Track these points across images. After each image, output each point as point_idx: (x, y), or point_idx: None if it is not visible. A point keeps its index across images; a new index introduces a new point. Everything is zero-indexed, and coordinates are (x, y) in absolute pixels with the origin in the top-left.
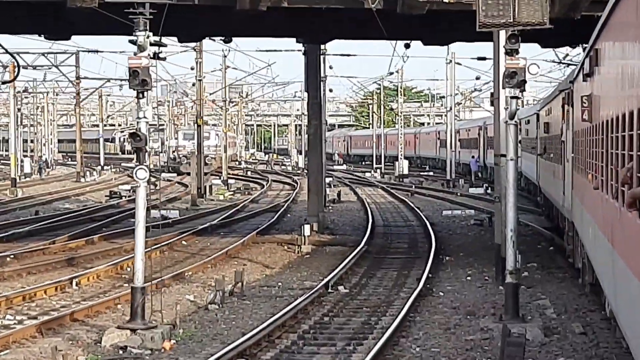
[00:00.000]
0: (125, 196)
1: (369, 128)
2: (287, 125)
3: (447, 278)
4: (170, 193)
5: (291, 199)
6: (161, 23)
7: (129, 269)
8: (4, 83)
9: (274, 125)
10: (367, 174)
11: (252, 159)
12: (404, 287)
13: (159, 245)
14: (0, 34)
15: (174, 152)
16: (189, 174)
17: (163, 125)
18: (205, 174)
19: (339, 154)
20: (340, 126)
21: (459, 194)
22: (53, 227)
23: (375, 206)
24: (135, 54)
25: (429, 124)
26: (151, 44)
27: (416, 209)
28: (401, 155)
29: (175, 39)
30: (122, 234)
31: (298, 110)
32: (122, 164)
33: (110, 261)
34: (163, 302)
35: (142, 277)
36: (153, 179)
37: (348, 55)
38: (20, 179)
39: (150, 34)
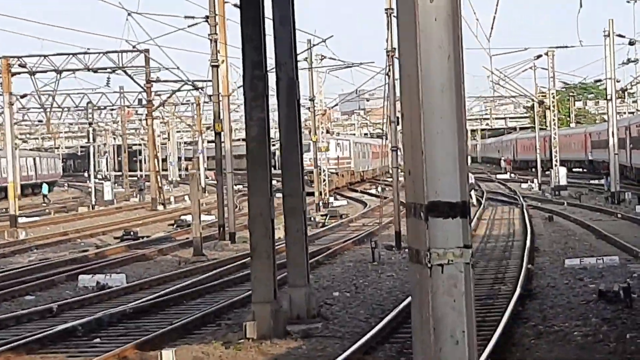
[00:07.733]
0: (142, 238)
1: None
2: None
3: None
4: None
5: (367, 233)
6: None
7: None
8: None
9: None
10: (524, 185)
11: None
12: None
13: None
14: None
15: None
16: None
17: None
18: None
19: (505, 161)
20: (523, 129)
21: (619, 215)
22: None
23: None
24: None
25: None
26: None
27: (534, 252)
28: (556, 161)
29: None
30: None
31: None
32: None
33: None
34: None
35: None
36: None
37: None
38: (92, 208)
39: None
